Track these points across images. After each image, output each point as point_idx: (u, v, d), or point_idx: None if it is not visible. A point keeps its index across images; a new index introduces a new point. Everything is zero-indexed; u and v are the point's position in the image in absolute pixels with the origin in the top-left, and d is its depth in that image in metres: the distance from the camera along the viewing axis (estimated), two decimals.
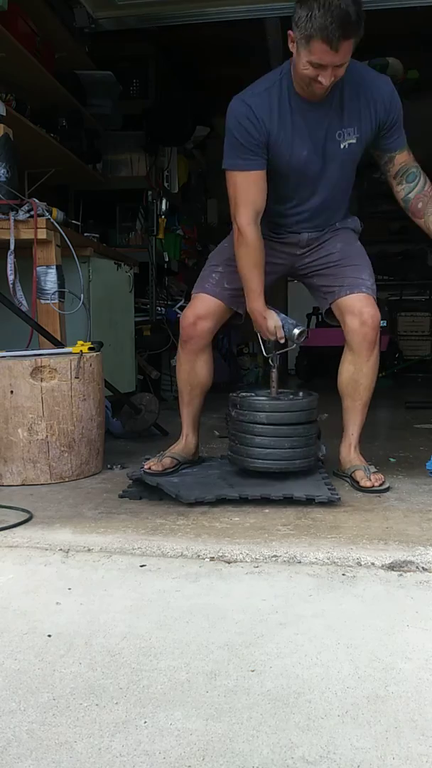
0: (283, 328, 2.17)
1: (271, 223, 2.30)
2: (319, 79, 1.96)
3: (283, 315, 2.21)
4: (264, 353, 2.25)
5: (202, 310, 2.32)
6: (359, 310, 2.24)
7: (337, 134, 2.14)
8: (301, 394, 2.26)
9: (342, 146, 2.16)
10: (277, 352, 2.23)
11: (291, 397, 2.24)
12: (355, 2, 1.86)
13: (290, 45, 1.99)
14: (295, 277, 2.53)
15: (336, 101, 2.10)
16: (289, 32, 1.97)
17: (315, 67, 1.94)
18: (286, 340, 2.19)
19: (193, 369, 2.38)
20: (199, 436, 2.48)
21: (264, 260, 2.20)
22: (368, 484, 2.21)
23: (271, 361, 2.23)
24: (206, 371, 2.39)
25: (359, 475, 2.25)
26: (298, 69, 1.99)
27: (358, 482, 2.24)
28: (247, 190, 2.14)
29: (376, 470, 2.27)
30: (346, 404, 2.35)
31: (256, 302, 2.19)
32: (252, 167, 2.12)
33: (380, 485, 2.20)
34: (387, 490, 2.20)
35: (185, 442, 2.44)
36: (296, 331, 2.14)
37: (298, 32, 1.92)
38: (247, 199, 2.14)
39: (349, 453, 2.35)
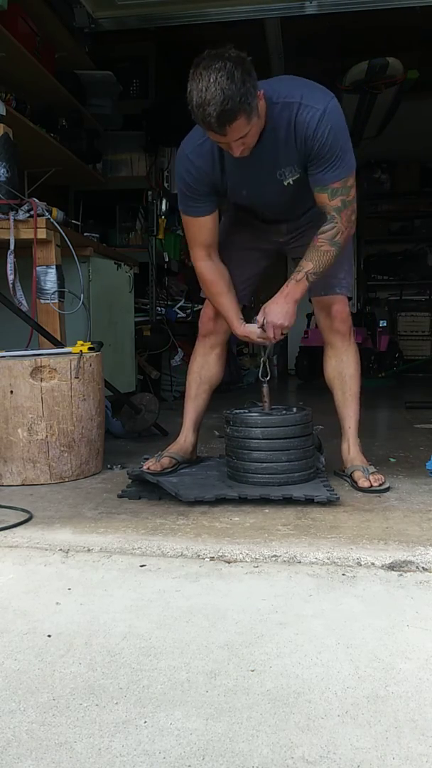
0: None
1: (249, 224, 2.36)
2: (230, 150, 1.95)
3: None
4: (263, 354, 2.25)
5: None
6: (328, 306, 2.33)
7: (278, 174, 2.10)
8: (294, 409, 2.28)
9: (286, 183, 2.12)
10: (270, 356, 2.26)
11: (284, 412, 2.25)
12: (234, 80, 1.78)
13: None
14: (288, 256, 2.55)
15: (270, 142, 2.03)
16: None
17: (217, 142, 1.95)
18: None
19: (206, 362, 2.43)
20: (198, 435, 2.49)
21: (229, 285, 2.26)
22: (366, 484, 2.21)
23: (262, 376, 2.23)
24: (218, 367, 2.45)
25: (357, 475, 2.26)
26: (216, 138, 1.94)
27: (356, 482, 2.24)
28: (196, 233, 2.22)
29: (375, 470, 2.27)
30: (336, 398, 2.39)
31: (234, 326, 2.24)
32: (199, 213, 2.18)
33: (379, 485, 2.21)
34: (387, 490, 2.20)
35: (184, 441, 2.44)
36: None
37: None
38: (197, 240, 2.23)
39: (349, 452, 2.36)
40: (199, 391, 2.44)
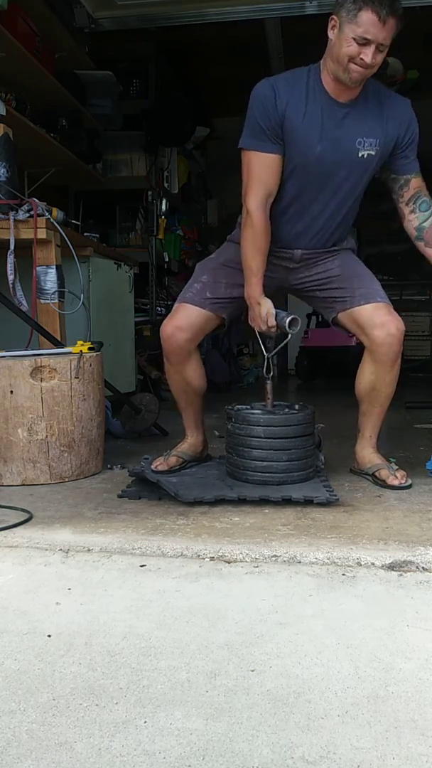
0: (276, 317, 2.13)
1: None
2: (362, 56, 1.95)
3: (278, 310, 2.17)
4: (264, 352, 2.23)
5: (181, 320, 2.27)
6: (383, 321, 2.18)
7: (357, 142, 2.11)
8: (297, 407, 2.26)
9: (360, 155, 2.12)
10: (272, 354, 2.21)
11: (286, 410, 2.24)
12: None
13: (330, 31, 2.01)
14: (292, 293, 2.48)
15: (360, 106, 2.09)
16: (331, 16, 1.99)
17: (360, 44, 1.95)
18: (280, 331, 2.15)
19: (183, 378, 2.34)
20: (204, 433, 2.48)
21: (268, 248, 2.16)
22: (396, 482, 2.23)
23: (266, 372, 2.21)
24: (197, 376, 2.36)
25: (384, 473, 2.27)
26: (339, 52, 1.98)
27: (384, 480, 2.25)
28: (260, 172, 2.12)
29: (398, 467, 2.30)
30: (363, 408, 2.33)
31: (254, 288, 2.15)
32: (268, 150, 2.10)
33: (405, 482, 2.24)
34: (411, 485, 2.24)
35: (191, 440, 2.44)
36: (288, 319, 2.10)
37: (343, 11, 1.94)
38: (260, 181, 2.12)
39: (369, 452, 2.36)
40: (187, 402, 2.39)
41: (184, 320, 2.27)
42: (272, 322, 2.12)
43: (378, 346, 2.20)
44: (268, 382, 2.23)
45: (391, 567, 1.59)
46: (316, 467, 2.26)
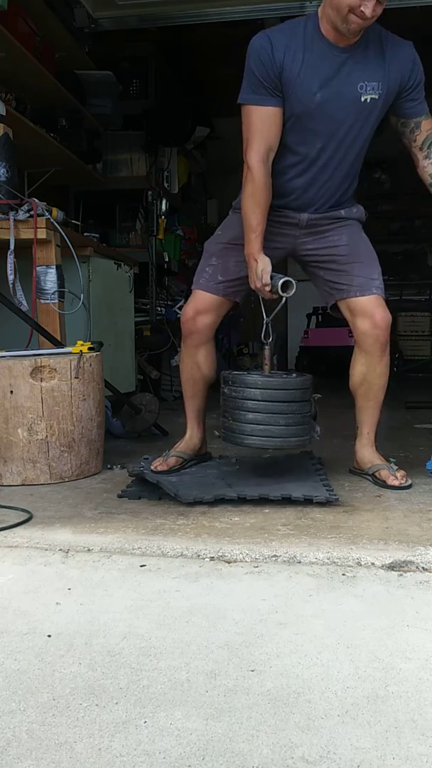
0: (271, 279, 2.10)
1: (275, 196, 2.20)
2: (362, 8, 1.93)
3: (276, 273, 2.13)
4: (264, 316, 2.17)
5: (201, 305, 2.32)
6: (371, 312, 2.23)
7: (359, 86, 2.08)
8: (294, 374, 2.23)
9: (363, 99, 2.09)
10: (270, 319, 2.16)
11: (284, 376, 2.20)
12: None
13: None
14: (298, 262, 2.45)
15: (360, 51, 2.07)
16: None
17: None
18: (275, 295, 2.12)
19: (195, 363, 2.37)
20: (204, 430, 2.48)
21: (269, 204, 2.13)
22: (396, 483, 2.23)
23: (264, 337, 2.16)
24: (208, 364, 2.40)
25: (385, 474, 2.26)
26: (340, 1, 1.95)
27: (384, 481, 2.25)
28: (260, 126, 2.09)
29: (398, 467, 2.29)
30: (359, 404, 2.35)
31: (252, 244, 2.12)
32: (267, 103, 2.08)
33: (406, 482, 2.24)
34: (411, 486, 2.24)
35: (189, 437, 2.44)
36: (281, 281, 2.07)
37: None
38: (260, 135, 2.10)
39: (368, 452, 2.36)
40: (194, 391, 2.41)
41: (203, 304, 2.31)
42: (266, 279, 2.09)
43: (363, 336, 2.24)
44: (266, 347, 2.18)
45: (391, 567, 1.59)
46: (312, 437, 2.20)
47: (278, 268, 2.19)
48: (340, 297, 2.30)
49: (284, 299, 2.13)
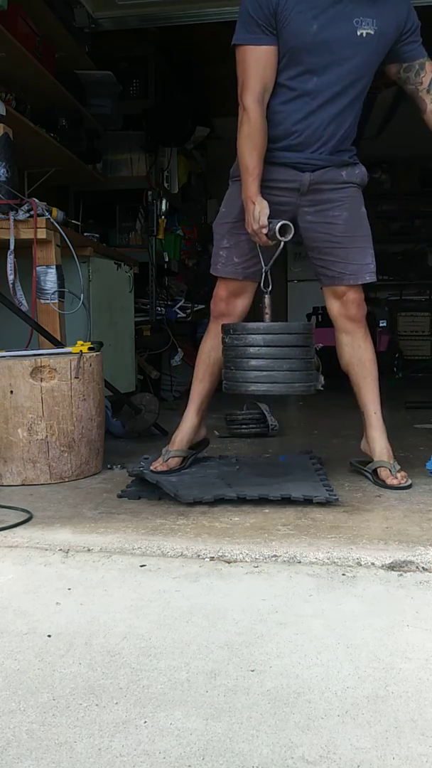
0: (269, 223, 2.07)
1: (275, 153, 2.19)
2: None
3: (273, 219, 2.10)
4: (263, 265, 2.14)
5: (232, 287, 2.31)
6: (343, 293, 2.30)
7: (355, 20, 2.09)
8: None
9: (359, 33, 2.09)
10: (268, 268, 2.14)
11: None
12: None
13: None
14: (299, 230, 2.34)
15: None
16: None
17: None
18: (275, 239, 2.08)
19: (217, 344, 2.28)
20: (202, 418, 2.43)
21: (266, 144, 2.12)
22: (395, 482, 2.23)
23: (264, 286, 2.14)
24: None
25: (385, 473, 2.26)
26: None
27: (384, 480, 2.25)
28: (255, 66, 2.09)
29: (400, 467, 2.28)
30: (357, 384, 2.34)
31: (249, 187, 2.10)
32: (262, 42, 2.08)
33: (405, 482, 2.23)
34: (410, 486, 2.23)
35: (187, 426, 2.39)
36: (278, 225, 2.04)
37: None
38: (256, 75, 2.09)
39: (377, 443, 2.33)
40: (205, 374, 2.37)
41: (233, 288, 2.32)
42: (264, 221, 2.07)
43: (336, 315, 2.33)
44: (266, 296, 2.15)
45: (391, 567, 1.59)
46: (315, 386, 2.14)
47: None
48: (331, 283, 2.33)
49: (282, 244, 2.10)
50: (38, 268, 2.65)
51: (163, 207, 5.04)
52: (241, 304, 2.33)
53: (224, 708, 1.04)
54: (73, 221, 3.42)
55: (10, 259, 2.57)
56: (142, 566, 1.62)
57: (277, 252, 2.14)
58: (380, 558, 1.62)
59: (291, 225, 2.07)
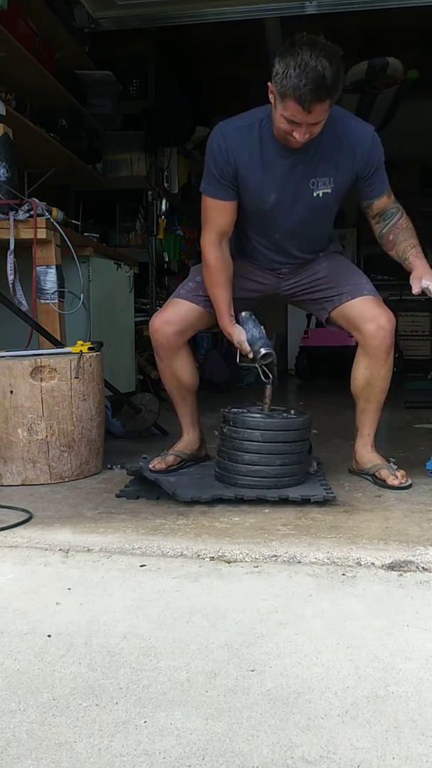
0: (254, 344, 2.15)
1: (251, 256, 2.35)
2: (294, 135, 1.97)
3: (259, 330, 2.19)
4: (263, 379, 2.21)
5: (171, 314, 2.31)
6: (372, 314, 2.22)
7: (311, 182, 2.15)
8: (293, 412, 2.25)
9: (315, 194, 2.16)
10: (244, 363, 2.23)
11: (285, 415, 2.21)
12: (333, 64, 1.85)
13: (269, 95, 1.99)
14: (285, 300, 2.52)
15: (312, 150, 2.10)
16: (268, 84, 1.96)
17: (289, 123, 1.95)
18: (254, 361, 2.18)
19: (173, 374, 2.36)
20: (201, 432, 2.49)
21: (229, 279, 2.23)
22: (396, 482, 2.23)
23: (264, 376, 2.19)
24: (187, 373, 2.37)
25: (384, 473, 2.27)
26: (275, 121, 2.01)
27: (384, 480, 2.25)
28: (213, 215, 2.21)
29: (397, 467, 2.30)
30: (360, 406, 2.35)
31: (222, 319, 2.22)
32: (222, 197, 2.18)
33: (405, 482, 2.24)
34: (411, 485, 2.24)
35: (187, 438, 2.45)
36: (262, 351, 2.14)
37: (274, 86, 1.93)
38: (212, 223, 2.21)
39: (367, 452, 2.36)
40: (181, 398, 2.41)
41: (174, 314, 2.31)
42: (246, 348, 2.16)
43: (370, 339, 2.22)
44: (268, 386, 2.20)
45: (391, 567, 1.59)
46: (308, 472, 2.24)
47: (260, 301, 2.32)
48: (332, 307, 2.32)
49: (257, 366, 2.19)
50: (38, 268, 2.65)
51: (163, 207, 5.04)
52: (173, 329, 2.29)
53: (224, 708, 1.04)
54: (73, 221, 3.42)
55: (10, 259, 2.57)
56: (142, 566, 1.62)
57: (259, 366, 2.20)
58: (380, 558, 1.62)
59: (273, 353, 2.17)
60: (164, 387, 2.47)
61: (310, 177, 2.14)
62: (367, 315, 2.22)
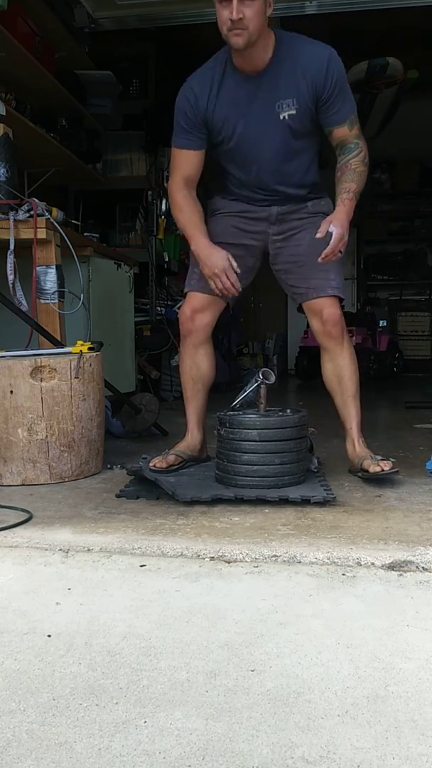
0: (257, 374, 2.23)
1: (242, 196, 2.40)
2: (227, 15, 2.04)
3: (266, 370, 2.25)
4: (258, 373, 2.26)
5: (197, 304, 2.40)
6: (320, 310, 2.34)
7: (276, 105, 2.20)
8: (289, 410, 2.26)
9: (281, 117, 2.21)
10: (262, 371, 2.27)
11: (280, 414, 2.23)
12: None
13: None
14: (271, 264, 2.52)
15: (273, 72, 2.17)
16: None
17: (221, 3, 2.03)
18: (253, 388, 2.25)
19: (194, 363, 2.43)
20: (204, 433, 2.50)
21: (200, 215, 2.33)
22: (377, 469, 2.23)
23: (262, 375, 2.22)
24: (207, 364, 2.45)
25: (367, 463, 2.27)
26: (219, 27, 2.10)
27: (366, 470, 2.25)
28: (181, 163, 2.32)
29: (382, 458, 2.29)
30: (336, 401, 2.40)
31: (197, 241, 2.28)
32: (187, 146, 2.29)
33: (390, 469, 2.23)
34: (396, 473, 2.23)
35: (190, 439, 2.46)
36: (261, 371, 2.21)
37: None
38: (179, 169, 2.33)
39: (354, 449, 2.38)
40: (194, 392, 2.45)
41: (199, 304, 2.40)
42: (224, 280, 2.24)
43: (317, 333, 2.37)
44: (263, 386, 2.23)
45: (391, 567, 1.59)
46: (309, 470, 2.24)
47: (250, 273, 2.39)
48: (301, 300, 2.41)
49: (247, 392, 2.27)
50: (38, 268, 2.65)
51: (163, 207, 5.04)
52: (206, 319, 2.41)
53: (224, 708, 1.04)
54: (73, 221, 3.42)
55: (10, 259, 2.57)
56: (142, 566, 1.62)
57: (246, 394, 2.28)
58: (380, 558, 1.62)
59: (271, 371, 2.23)
60: (180, 377, 2.52)
61: (274, 100, 2.19)
62: (316, 311, 2.35)
